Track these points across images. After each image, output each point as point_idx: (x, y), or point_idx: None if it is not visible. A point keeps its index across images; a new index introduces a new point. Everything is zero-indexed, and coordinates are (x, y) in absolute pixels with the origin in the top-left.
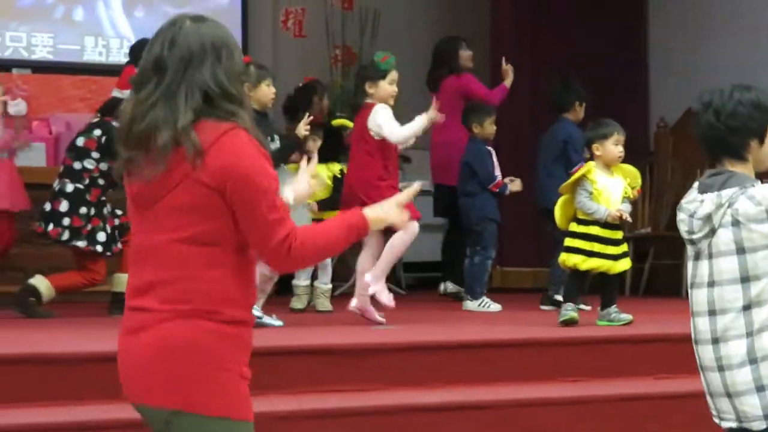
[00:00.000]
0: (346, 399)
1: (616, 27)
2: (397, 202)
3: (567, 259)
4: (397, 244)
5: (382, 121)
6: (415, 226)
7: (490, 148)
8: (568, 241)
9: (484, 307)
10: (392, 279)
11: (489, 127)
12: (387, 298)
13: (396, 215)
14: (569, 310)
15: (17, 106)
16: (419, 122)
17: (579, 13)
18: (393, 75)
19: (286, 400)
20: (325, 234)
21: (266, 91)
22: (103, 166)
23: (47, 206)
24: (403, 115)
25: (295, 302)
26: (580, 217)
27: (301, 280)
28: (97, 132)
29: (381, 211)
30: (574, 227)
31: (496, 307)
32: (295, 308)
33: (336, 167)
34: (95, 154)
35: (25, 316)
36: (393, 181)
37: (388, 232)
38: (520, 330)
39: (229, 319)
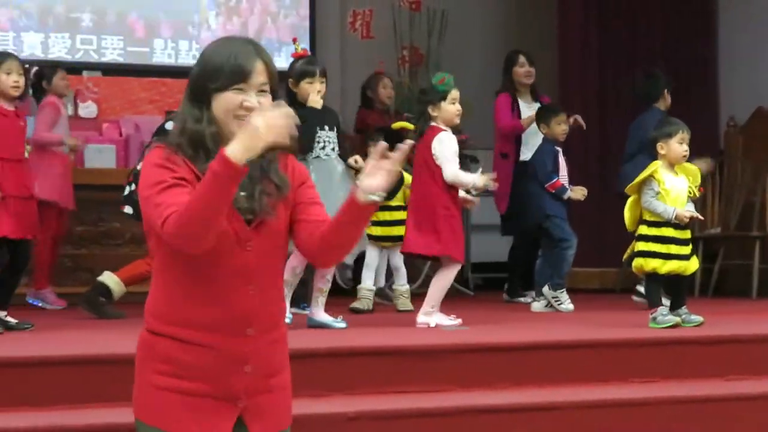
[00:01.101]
0: (414, 400)
1: (684, 24)
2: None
3: (645, 264)
4: (442, 279)
5: (442, 156)
6: (457, 266)
7: (558, 148)
8: (642, 245)
9: (557, 303)
10: (460, 280)
11: (556, 127)
12: (448, 321)
13: (265, 133)
14: (667, 315)
15: (87, 108)
16: (472, 181)
17: (647, 12)
18: (453, 94)
19: (355, 401)
20: (192, 198)
21: (306, 88)
22: None
23: (129, 188)
24: (471, 116)
25: (356, 303)
26: (649, 219)
27: (367, 283)
28: None
29: (244, 137)
30: (644, 230)
31: (568, 306)
32: (355, 308)
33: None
34: None
35: (96, 316)
36: (456, 210)
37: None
38: (589, 330)
39: (149, 328)
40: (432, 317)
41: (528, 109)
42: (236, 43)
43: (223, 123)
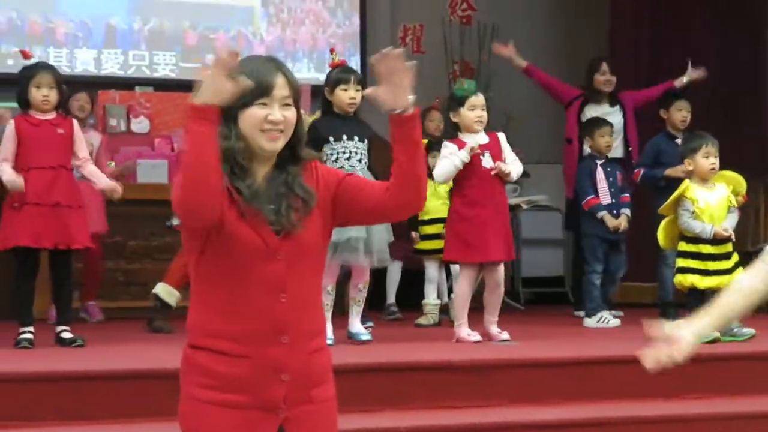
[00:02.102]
0: (464, 415)
1: (736, 32)
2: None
3: (683, 280)
4: (462, 290)
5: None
6: (466, 272)
7: (599, 162)
8: (681, 262)
9: (602, 322)
10: (510, 294)
11: (599, 140)
12: (467, 334)
13: (208, 77)
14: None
15: (140, 124)
16: (459, 159)
17: (698, 18)
18: (472, 100)
19: (406, 416)
20: (182, 158)
21: (342, 96)
22: None
23: None
24: (522, 129)
25: (421, 319)
26: (688, 235)
27: (431, 299)
28: None
29: (205, 87)
30: (683, 246)
31: (614, 322)
32: (420, 324)
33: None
34: None
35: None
36: (468, 212)
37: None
38: (638, 346)
39: (189, 343)
40: (457, 331)
41: (595, 114)
42: (257, 61)
43: (250, 138)
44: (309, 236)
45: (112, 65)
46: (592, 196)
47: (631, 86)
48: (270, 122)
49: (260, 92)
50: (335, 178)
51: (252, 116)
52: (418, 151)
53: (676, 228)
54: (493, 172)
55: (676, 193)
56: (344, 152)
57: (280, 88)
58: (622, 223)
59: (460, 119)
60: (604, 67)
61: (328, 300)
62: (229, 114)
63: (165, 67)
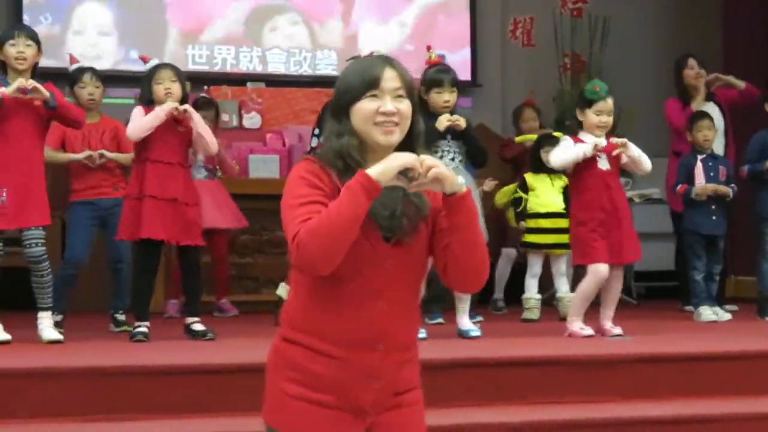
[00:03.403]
0: (577, 411)
1: None
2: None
3: None
4: (585, 288)
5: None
6: (601, 269)
7: (700, 157)
8: None
9: (710, 317)
10: (623, 289)
11: (696, 135)
12: (579, 328)
13: (404, 158)
14: None
15: (251, 119)
16: (574, 153)
17: None
18: (600, 105)
19: (518, 411)
20: (326, 211)
21: (436, 99)
22: None
23: None
24: (634, 123)
25: (527, 314)
26: None
27: (533, 293)
28: None
29: (385, 160)
30: None
31: (725, 317)
32: (526, 319)
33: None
34: None
35: None
36: (584, 215)
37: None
38: (749, 341)
39: (283, 336)
40: (569, 325)
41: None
42: (366, 59)
43: (364, 133)
44: (417, 247)
45: (221, 61)
46: (683, 184)
47: (746, 74)
48: (382, 114)
49: (369, 85)
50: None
51: (363, 109)
52: (469, 235)
53: None
54: (615, 152)
55: None
56: (436, 152)
57: (389, 80)
58: (720, 189)
59: (585, 120)
60: (691, 62)
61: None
62: (339, 110)
63: (277, 62)
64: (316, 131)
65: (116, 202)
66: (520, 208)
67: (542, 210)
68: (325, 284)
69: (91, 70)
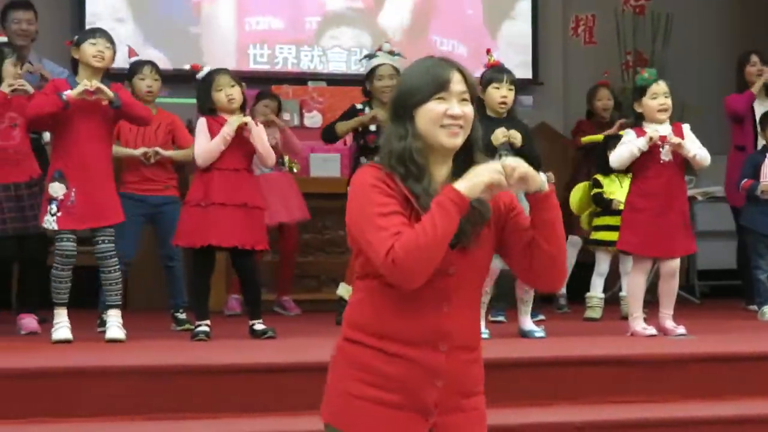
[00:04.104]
0: (640, 410)
1: None
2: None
3: None
4: (632, 281)
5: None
6: (646, 259)
7: None
8: None
9: None
10: (686, 287)
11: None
12: (642, 328)
13: (490, 172)
14: None
15: (312, 118)
16: (636, 146)
17: None
18: (654, 88)
19: (582, 410)
20: (419, 227)
21: (493, 94)
22: None
23: None
24: (694, 120)
25: (589, 312)
26: None
27: (597, 292)
28: None
29: (471, 175)
30: None
31: None
32: (589, 317)
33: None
34: None
35: None
36: (643, 203)
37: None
38: None
39: (347, 337)
40: (632, 324)
41: (762, 107)
42: (430, 60)
43: (429, 135)
44: (481, 253)
45: (283, 59)
46: (747, 179)
47: None
48: (450, 117)
49: (437, 87)
50: (511, 205)
51: (431, 111)
52: (556, 231)
53: None
54: (666, 146)
55: None
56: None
57: (457, 83)
58: None
59: (644, 109)
60: (754, 58)
61: (485, 298)
62: (404, 113)
63: (338, 61)
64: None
65: (165, 200)
66: (598, 207)
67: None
68: (391, 289)
69: (151, 63)
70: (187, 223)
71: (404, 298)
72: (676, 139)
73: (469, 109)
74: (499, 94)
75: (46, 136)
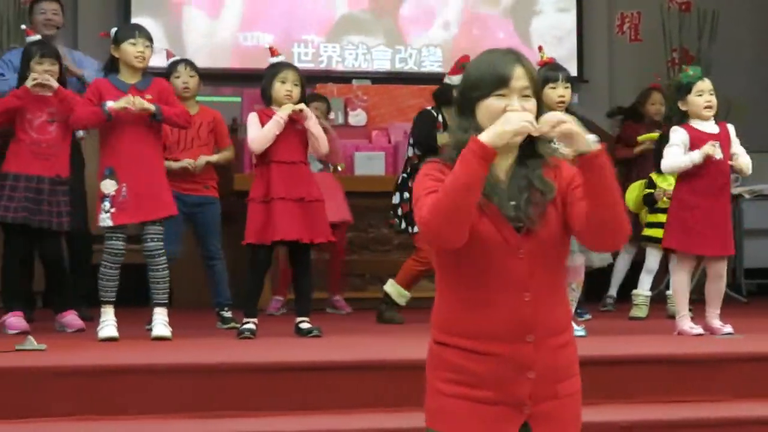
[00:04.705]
0: (687, 410)
1: None
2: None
3: None
4: (677, 280)
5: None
6: (690, 257)
7: None
8: None
9: None
10: (733, 286)
11: None
12: (689, 327)
13: (515, 121)
14: None
15: (357, 117)
16: (689, 159)
17: None
18: (699, 86)
19: (630, 410)
20: (443, 185)
21: (550, 94)
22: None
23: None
24: (741, 117)
25: (635, 311)
26: None
27: (644, 289)
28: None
29: (499, 123)
30: None
31: None
32: (635, 316)
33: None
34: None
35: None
36: (695, 201)
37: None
38: None
39: (435, 338)
40: (678, 323)
41: None
42: (496, 53)
43: None
44: (549, 232)
45: (327, 58)
46: None
47: None
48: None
49: (498, 83)
50: (570, 178)
51: (490, 108)
52: (606, 192)
53: None
54: (718, 146)
55: None
56: None
57: (519, 79)
58: None
59: (689, 107)
60: None
61: (573, 296)
62: (466, 106)
63: (383, 59)
64: (411, 141)
65: (205, 200)
66: (653, 204)
67: (663, 205)
68: (468, 283)
69: (185, 60)
70: (254, 221)
71: (483, 292)
72: (737, 165)
73: (530, 105)
74: (557, 94)
75: (80, 132)
